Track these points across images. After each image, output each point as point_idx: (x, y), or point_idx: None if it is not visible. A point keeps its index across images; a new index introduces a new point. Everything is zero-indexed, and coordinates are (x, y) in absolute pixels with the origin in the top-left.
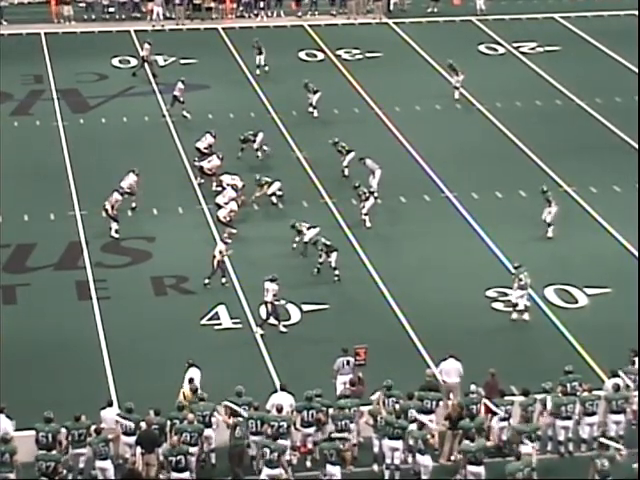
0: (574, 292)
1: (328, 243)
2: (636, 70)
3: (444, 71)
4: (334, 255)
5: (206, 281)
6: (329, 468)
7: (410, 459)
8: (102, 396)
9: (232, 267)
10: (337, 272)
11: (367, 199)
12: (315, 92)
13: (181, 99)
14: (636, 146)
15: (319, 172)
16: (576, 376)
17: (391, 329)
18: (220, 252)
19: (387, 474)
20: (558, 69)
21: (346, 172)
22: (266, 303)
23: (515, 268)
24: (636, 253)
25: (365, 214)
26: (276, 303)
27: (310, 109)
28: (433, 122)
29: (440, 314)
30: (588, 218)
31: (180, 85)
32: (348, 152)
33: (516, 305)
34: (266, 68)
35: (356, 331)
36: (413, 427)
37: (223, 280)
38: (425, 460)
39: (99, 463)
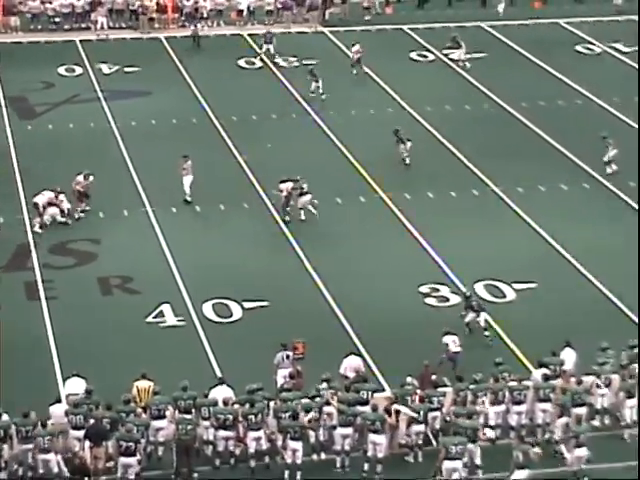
0: (503, 287)
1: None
2: (558, 75)
3: (376, 77)
4: (483, 315)
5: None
6: (292, 444)
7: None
8: (51, 393)
9: (177, 268)
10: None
11: (304, 194)
12: (317, 80)
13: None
14: (560, 147)
15: (258, 174)
16: (505, 367)
17: (328, 324)
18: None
19: (339, 460)
20: (485, 75)
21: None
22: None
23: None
24: (560, 249)
25: (300, 208)
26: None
27: (321, 94)
28: (367, 126)
29: (375, 309)
30: (515, 216)
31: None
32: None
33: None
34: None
35: (295, 327)
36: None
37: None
38: (379, 438)
39: (42, 456)
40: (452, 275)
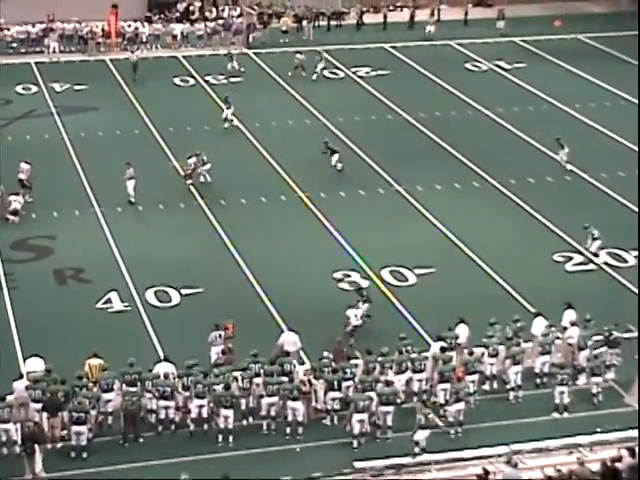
0: (405, 272)
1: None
2: (451, 89)
3: (294, 92)
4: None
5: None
6: (224, 411)
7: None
8: (14, 370)
9: (122, 260)
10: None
11: (205, 164)
12: (229, 107)
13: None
14: (453, 152)
15: (193, 179)
16: (408, 341)
17: (255, 307)
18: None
19: (265, 425)
20: (388, 89)
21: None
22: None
23: (585, 228)
24: (454, 239)
25: (200, 174)
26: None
27: (226, 122)
28: (287, 134)
29: (295, 293)
30: (415, 211)
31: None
32: (333, 153)
33: (596, 255)
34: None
35: (226, 310)
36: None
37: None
38: (297, 405)
39: (2, 425)
40: (362, 263)
